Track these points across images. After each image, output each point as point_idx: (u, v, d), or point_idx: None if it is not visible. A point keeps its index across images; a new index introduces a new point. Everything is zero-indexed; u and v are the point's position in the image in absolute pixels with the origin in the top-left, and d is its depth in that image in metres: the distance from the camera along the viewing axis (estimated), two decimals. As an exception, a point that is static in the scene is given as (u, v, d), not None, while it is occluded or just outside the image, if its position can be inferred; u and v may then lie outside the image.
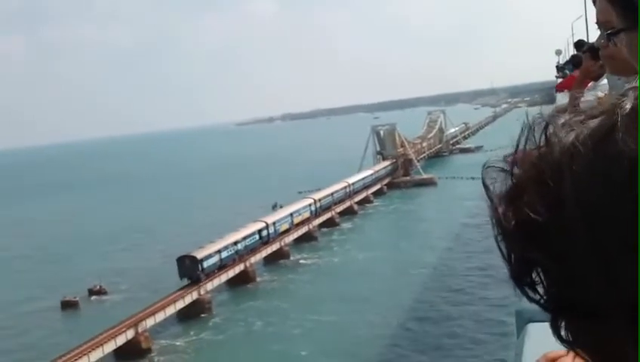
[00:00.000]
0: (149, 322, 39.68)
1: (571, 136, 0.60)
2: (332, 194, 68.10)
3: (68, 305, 47.08)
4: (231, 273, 48.02)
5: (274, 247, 54.09)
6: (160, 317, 40.82)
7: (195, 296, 43.62)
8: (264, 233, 52.85)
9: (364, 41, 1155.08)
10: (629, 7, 1.37)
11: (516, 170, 0.64)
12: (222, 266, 47.00)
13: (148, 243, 63.27)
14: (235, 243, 49.09)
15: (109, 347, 36.96)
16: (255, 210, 62.68)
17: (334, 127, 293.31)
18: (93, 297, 49.04)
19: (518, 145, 0.65)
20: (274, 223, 54.63)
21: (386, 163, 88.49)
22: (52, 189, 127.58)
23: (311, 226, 61.29)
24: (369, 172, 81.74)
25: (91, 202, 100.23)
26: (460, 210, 61.92)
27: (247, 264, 49.66)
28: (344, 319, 38.52)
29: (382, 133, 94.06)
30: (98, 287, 49.58)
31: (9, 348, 40.03)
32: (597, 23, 1.84)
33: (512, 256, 0.64)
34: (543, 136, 0.63)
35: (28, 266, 59.23)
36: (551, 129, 0.63)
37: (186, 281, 44.77)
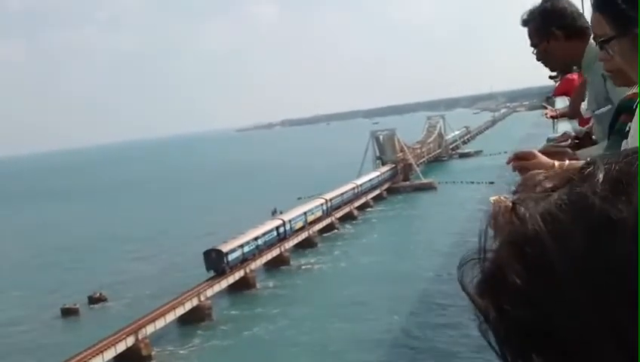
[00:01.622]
0: (149, 329, 39.55)
1: (542, 207, 0.61)
2: (342, 194, 70.99)
3: (68, 313, 46.97)
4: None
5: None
6: (160, 323, 40.70)
7: (195, 302, 43.54)
8: (281, 230, 56.13)
9: (363, 48, 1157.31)
10: (618, 15, 1.40)
11: (489, 254, 0.64)
12: (244, 260, 49.74)
13: (149, 250, 63.20)
14: (256, 238, 52.29)
15: (109, 354, 36.84)
16: (255, 215, 62.58)
17: (334, 133, 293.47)
18: (94, 304, 48.94)
19: (483, 238, 0.65)
20: (290, 221, 57.88)
21: (386, 168, 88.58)
22: (52, 196, 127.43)
23: (310, 232, 61.33)
24: (376, 173, 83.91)
25: (92, 209, 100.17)
26: (460, 214, 61.84)
27: (249, 268, 50.39)
28: (345, 325, 38.43)
29: (381, 138, 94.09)
30: (98, 294, 49.48)
31: (9, 356, 39.95)
32: (594, 38, 1.84)
33: (508, 347, 0.62)
34: (512, 215, 0.63)
35: (29, 273, 59.15)
36: (519, 208, 0.63)
37: (212, 273, 47.61)
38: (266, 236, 53.70)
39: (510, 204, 0.64)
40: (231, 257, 48.12)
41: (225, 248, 48.36)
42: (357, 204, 73.87)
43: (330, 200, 67.12)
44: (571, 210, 0.59)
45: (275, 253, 54.28)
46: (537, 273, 0.59)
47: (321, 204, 65.22)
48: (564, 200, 0.60)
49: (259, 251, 51.90)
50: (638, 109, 1.78)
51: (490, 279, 0.63)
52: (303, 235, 59.99)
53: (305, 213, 61.37)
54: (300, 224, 59.53)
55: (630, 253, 0.54)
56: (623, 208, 0.56)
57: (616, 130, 3.22)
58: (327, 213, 65.57)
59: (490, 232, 0.65)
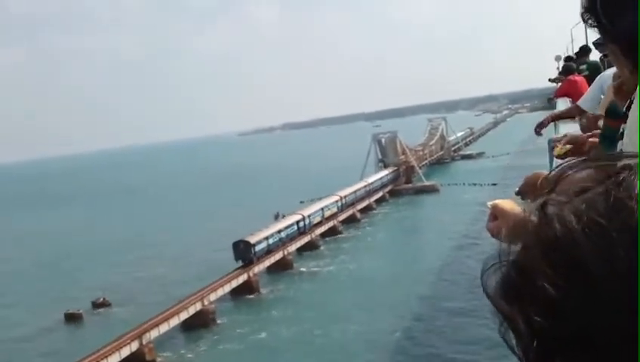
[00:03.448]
0: (153, 333, 39.59)
1: (575, 208, 0.59)
2: (355, 191, 74.98)
3: (72, 318, 47.02)
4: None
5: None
6: (164, 328, 40.73)
7: (198, 306, 43.57)
8: (301, 224, 60.43)
9: (364, 49, 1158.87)
10: (599, 27, 1.46)
11: (513, 257, 0.61)
12: (268, 251, 53.63)
13: (151, 255, 63.19)
14: (279, 231, 56.53)
15: (114, 359, 36.83)
16: (257, 220, 62.64)
17: (335, 136, 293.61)
18: (97, 310, 48.99)
19: (506, 241, 0.63)
20: (309, 216, 62.29)
21: (388, 170, 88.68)
22: (54, 202, 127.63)
23: (313, 235, 61.59)
24: (385, 172, 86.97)
25: (94, 214, 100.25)
26: (463, 216, 61.84)
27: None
28: (349, 328, 38.44)
29: (383, 141, 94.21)
30: (102, 300, 49.53)
31: (12, 361, 40.03)
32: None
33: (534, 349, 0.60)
34: (541, 214, 0.61)
35: (32, 279, 59.17)
36: (549, 208, 0.61)
37: (240, 263, 50.93)
38: (288, 229, 58.09)
39: (540, 203, 0.62)
40: (258, 248, 52.08)
41: (252, 239, 52.30)
42: (360, 206, 74.07)
43: (345, 197, 71.58)
44: (608, 213, 0.57)
45: (303, 240, 59.36)
46: (572, 277, 0.56)
47: (336, 201, 69.72)
48: (601, 203, 0.58)
49: (282, 243, 55.96)
50: (636, 110, 1.82)
51: (517, 284, 0.60)
52: (329, 225, 64.90)
53: (322, 209, 65.91)
54: (317, 219, 63.85)
55: None
56: None
57: (606, 135, 3.26)
58: (342, 209, 69.96)
59: (510, 235, 0.62)
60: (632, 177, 0.58)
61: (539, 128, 6.94)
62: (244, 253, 51.43)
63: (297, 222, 59.97)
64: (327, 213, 66.34)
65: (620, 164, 0.62)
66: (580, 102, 6.98)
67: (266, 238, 53.90)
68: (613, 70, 6.80)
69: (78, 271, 59.41)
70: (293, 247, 57.81)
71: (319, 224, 63.61)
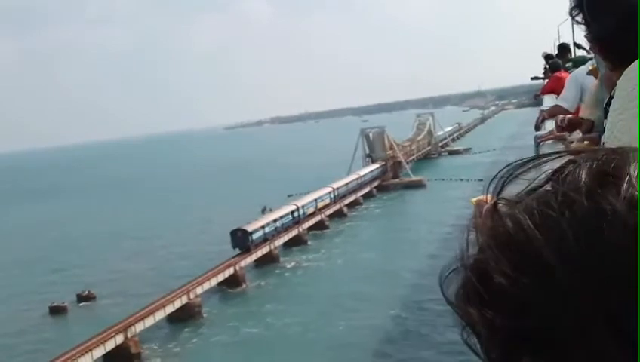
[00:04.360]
0: (139, 327, 39.43)
1: (526, 205, 0.60)
2: (347, 184, 76.71)
3: (56, 311, 46.75)
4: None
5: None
6: (149, 321, 40.57)
7: (184, 300, 43.46)
8: (296, 214, 62.44)
9: (353, 44, 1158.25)
10: (587, 22, 1.53)
11: (471, 259, 0.63)
12: (265, 239, 55.32)
13: (137, 248, 62.94)
14: (275, 220, 58.33)
15: (98, 352, 36.68)
16: (244, 214, 62.55)
17: (323, 130, 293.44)
18: (82, 303, 48.73)
19: (465, 244, 0.64)
20: (303, 206, 64.22)
21: (375, 165, 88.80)
22: (39, 194, 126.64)
23: (300, 229, 61.69)
24: (375, 166, 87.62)
25: (81, 207, 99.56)
26: (449, 211, 62.02)
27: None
28: (335, 322, 38.51)
29: (371, 135, 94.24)
30: (87, 293, 49.28)
31: (-3, 355, 39.73)
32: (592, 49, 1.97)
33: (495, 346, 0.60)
34: (494, 215, 0.62)
35: (16, 272, 58.71)
36: (501, 207, 0.62)
37: (237, 251, 52.39)
38: (283, 219, 60.07)
39: (491, 205, 0.63)
40: (255, 236, 53.68)
41: (249, 228, 53.88)
42: (347, 201, 74.20)
43: (337, 188, 73.35)
44: (559, 205, 0.58)
45: (291, 233, 60.48)
46: (529, 271, 0.57)
47: (329, 192, 71.66)
48: (550, 197, 0.60)
49: (277, 232, 57.70)
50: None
51: (475, 284, 0.61)
52: (316, 219, 65.76)
53: (316, 200, 67.58)
54: (311, 209, 65.73)
55: (625, 243, 0.54)
56: (613, 199, 0.56)
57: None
58: (335, 200, 71.70)
59: (473, 237, 0.63)
60: (577, 171, 0.60)
61: (541, 123, 7.05)
62: (241, 241, 52.97)
63: (292, 212, 61.93)
64: (321, 204, 68.11)
65: (565, 159, 0.63)
66: (559, 102, 7.03)
67: (262, 227, 55.67)
68: (584, 68, 6.86)
69: (63, 264, 59.05)
70: (281, 241, 57.91)
71: (309, 217, 64.70)
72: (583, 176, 0.59)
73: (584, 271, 0.55)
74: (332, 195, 71.50)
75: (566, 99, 6.81)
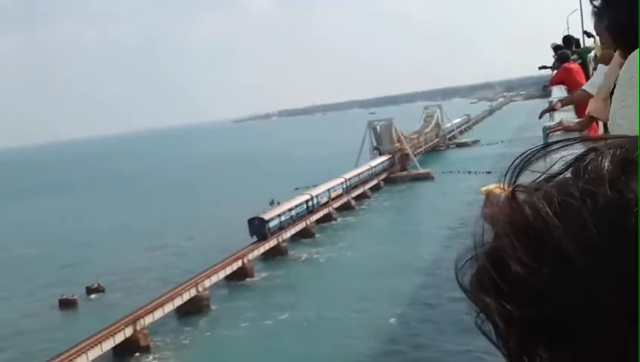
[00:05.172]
0: (148, 319, 39.65)
1: (545, 192, 0.59)
2: (359, 174, 77.95)
3: (66, 304, 47.05)
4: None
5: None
6: (158, 314, 40.79)
7: (193, 292, 43.64)
8: (310, 203, 64.21)
9: (360, 36, 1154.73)
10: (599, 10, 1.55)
11: (487, 247, 0.61)
12: (280, 227, 57.10)
13: (146, 242, 63.16)
14: (290, 209, 60.21)
15: (108, 345, 36.94)
16: (251, 207, 62.64)
17: (330, 123, 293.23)
18: (92, 295, 49.02)
19: (480, 232, 0.63)
20: (317, 196, 66.18)
21: (383, 158, 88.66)
22: (48, 189, 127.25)
23: (308, 222, 61.72)
24: (383, 158, 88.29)
25: (89, 201, 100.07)
26: (457, 204, 61.92)
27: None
28: (343, 315, 38.54)
29: (378, 128, 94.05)
30: (96, 285, 49.56)
31: (7, 347, 40.03)
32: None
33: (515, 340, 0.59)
34: (512, 202, 0.61)
35: (26, 265, 59.10)
36: (519, 194, 0.61)
37: (255, 238, 54.18)
38: (298, 208, 62.02)
39: (509, 192, 0.62)
40: (272, 224, 55.61)
41: (266, 216, 55.90)
42: (354, 194, 74.17)
43: (349, 179, 74.88)
44: (580, 193, 0.57)
45: (299, 226, 60.95)
46: (548, 260, 0.56)
47: (342, 183, 73.13)
48: (571, 185, 0.58)
49: (292, 220, 59.62)
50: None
51: (490, 272, 0.60)
52: (325, 211, 66.65)
53: (329, 190, 69.32)
54: (324, 199, 67.49)
55: None
56: (637, 188, 0.55)
57: None
58: (347, 191, 73.30)
59: (486, 225, 0.62)
60: (600, 158, 0.58)
61: (546, 112, 6.94)
62: (259, 228, 54.74)
63: (307, 201, 63.82)
64: (333, 195, 69.74)
65: (587, 146, 0.62)
66: (585, 87, 6.91)
67: (279, 215, 57.62)
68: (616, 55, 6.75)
69: (73, 258, 59.35)
70: (288, 233, 58.01)
71: (322, 207, 66.03)
72: (606, 163, 0.58)
73: (605, 261, 0.53)
74: (344, 186, 73.03)
75: (594, 84, 6.73)
